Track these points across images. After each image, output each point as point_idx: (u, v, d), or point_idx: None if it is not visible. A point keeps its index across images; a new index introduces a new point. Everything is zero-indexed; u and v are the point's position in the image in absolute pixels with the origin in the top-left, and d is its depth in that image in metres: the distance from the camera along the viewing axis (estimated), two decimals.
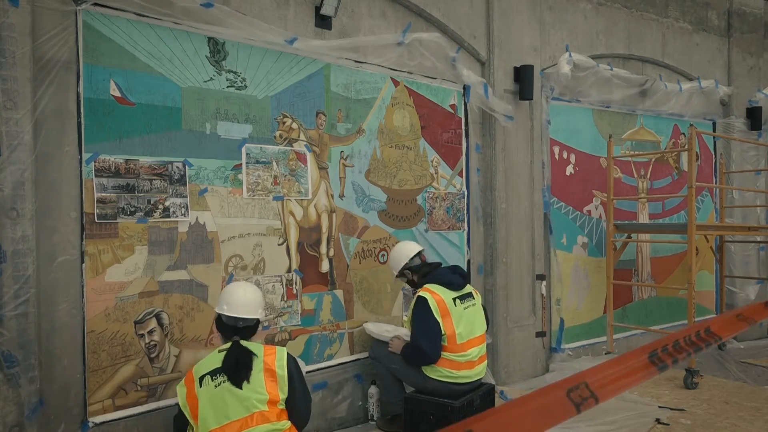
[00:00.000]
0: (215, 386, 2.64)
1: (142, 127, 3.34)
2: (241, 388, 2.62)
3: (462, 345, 3.71)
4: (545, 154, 5.52)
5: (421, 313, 3.69)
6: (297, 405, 2.78)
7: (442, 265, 4.05)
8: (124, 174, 3.26)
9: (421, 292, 3.76)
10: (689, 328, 1.66)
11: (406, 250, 4.04)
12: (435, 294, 3.72)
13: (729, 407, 4.57)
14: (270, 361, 2.74)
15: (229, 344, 2.78)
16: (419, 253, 4.04)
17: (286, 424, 2.72)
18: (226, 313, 2.87)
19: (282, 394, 2.71)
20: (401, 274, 4.05)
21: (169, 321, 3.43)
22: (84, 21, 3.14)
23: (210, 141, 3.62)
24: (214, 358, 2.74)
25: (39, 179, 2.96)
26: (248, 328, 2.91)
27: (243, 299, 2.91)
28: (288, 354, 2.83)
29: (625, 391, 4.85)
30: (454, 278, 3.83)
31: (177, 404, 2.79)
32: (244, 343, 2.79)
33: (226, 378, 2.64)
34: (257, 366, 2.70)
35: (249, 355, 2.70)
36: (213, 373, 2.67)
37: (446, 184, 4.98)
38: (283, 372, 2.73)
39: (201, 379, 2.68)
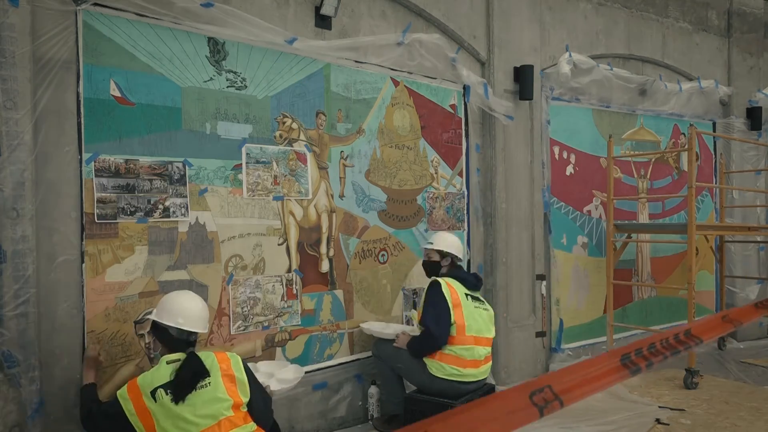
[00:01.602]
0: (171, 399, 2.49)
1: (142, 127, 3.34)
2: (183, 402, 2.49)
3: (470, 338, 3.76)
4: (545, 154, 5.52)
5: (433, 295, 3.79)
6: (258, 406, 2.72)
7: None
8: (124, 174, 3.26)
9: (435, 278, 3.88)
10: (668, 331, 1.63)
11: (454, 245, 4.06)
12: (449, 284, 3.83)
13: (729, 407, 4.57)
14: (226, 366, 2.66)
15: (180, 355, 2.64)
16: (455, 256, 4.08)
17: (253, 426, 2.65)
18: (184, 328, 2.71)
19: (244, 398, 2.65)
20: (437, 252, 4.06)
21: None
22: (84, 21, 3.14)
23: (210, 141, 3.62)
24: (165, 370, 2.57)
25: (39, 179, 2.95)
26: (196, 340, 2.83)
27: (200, 313, 2.79)
28: (241, 358, 2.77)
29: (625, 391, 4.86)
30: (469, 277, 3.97)
31: (107, 409, 2.63)
32: (199, 354, 2.68)
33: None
34: (215, 373, 2.61)
35: (202, 370, 2.58)
36: (167, 387, 2.52)
37: (446, 184, 4.98)
38: (242, 376, 2.67)
39: (153, 393, 2.51)
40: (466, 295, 3.84)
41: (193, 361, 2.61)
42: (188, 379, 2.53)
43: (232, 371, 2.67)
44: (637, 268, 6.43)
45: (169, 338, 2.74)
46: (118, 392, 2.59)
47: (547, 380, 1.30)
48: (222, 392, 2.58)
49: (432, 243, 4.11)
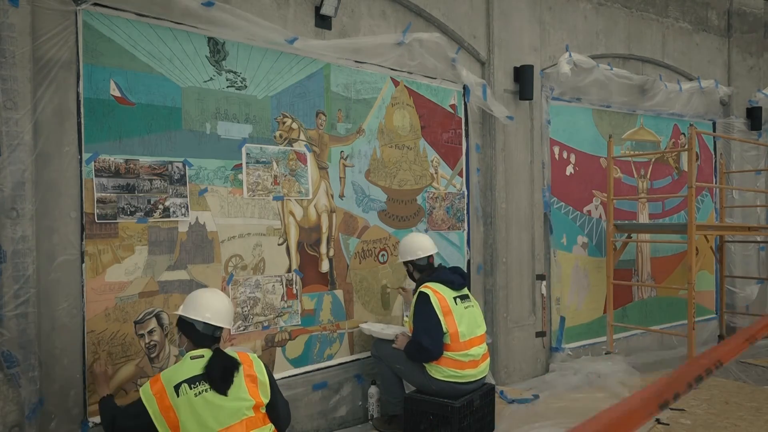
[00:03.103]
0: (195, 395, 2.50)
1: (142, 127, 3.34)
2: (226, 395, 2.54)
3: (464, 344, 3.73)
4: (545, 154, 5.52)
5: (423, 309, 3.73)
6: (279, 409, 2.77)
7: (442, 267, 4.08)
8: (124, 174, 3.26)
9: (422, 289, 3.80)
10: (699, 366, 1.48)
11: (420, 246, 4.04)
12: (437, 292, 3.76)
13: (729, 407, 4.57)
14: (248, 367, 2.70)
15: (204, 351, 2.68)
16: (430, 255, 4.05)
17: (271, 428, 2.69)
18: (210, 322, 2.75)
19: (265, 399, 2.68)
20: (404, 264, 4.13)
21: (169, 321, 3.43)
22: (84, 21, 3.14)
23: (210, 141, 3.62)
24: (189, 366, 2.60)
25: (39, 179, 2.95)
26: (221, 336, 2.87)
27: (226, 309, 2.84)
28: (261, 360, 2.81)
29: (625, 391, 4.85)
30: (455, 278, 3.89)
31: (132, 410, 2.60)
32: (226, 350, 2.74)
33: (208, 386, 2.54)
34: (238, 373, 2.64)
35: (234, 363, 2.64)
36: (191, 381, 2.53)
37: (446, 184, 4.98)
38: (264, 378, 2.71)
39: (177, 387, 2.52)
40: (455, 298, 3.80)
41: (221, 356, 2.65)
42: (219, 374, 2.56)
43: (254, 372, 2.69)
44: (637, 268, 6.43)
45: (195, 333, 2.76)
46: (141, 390, 2.59)
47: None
48: (244, 392, 2.61)
49: (399, 258, 4.14)
